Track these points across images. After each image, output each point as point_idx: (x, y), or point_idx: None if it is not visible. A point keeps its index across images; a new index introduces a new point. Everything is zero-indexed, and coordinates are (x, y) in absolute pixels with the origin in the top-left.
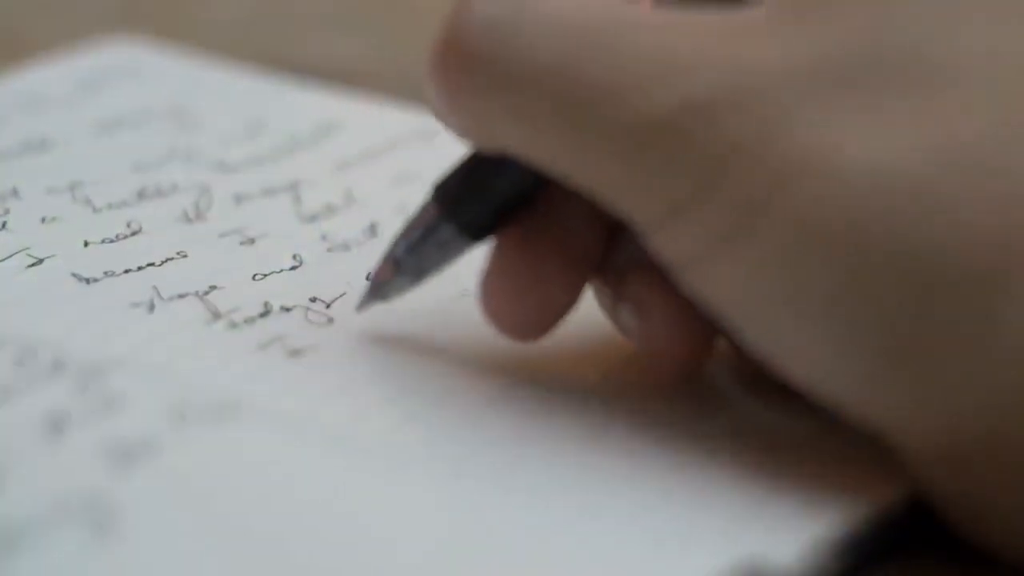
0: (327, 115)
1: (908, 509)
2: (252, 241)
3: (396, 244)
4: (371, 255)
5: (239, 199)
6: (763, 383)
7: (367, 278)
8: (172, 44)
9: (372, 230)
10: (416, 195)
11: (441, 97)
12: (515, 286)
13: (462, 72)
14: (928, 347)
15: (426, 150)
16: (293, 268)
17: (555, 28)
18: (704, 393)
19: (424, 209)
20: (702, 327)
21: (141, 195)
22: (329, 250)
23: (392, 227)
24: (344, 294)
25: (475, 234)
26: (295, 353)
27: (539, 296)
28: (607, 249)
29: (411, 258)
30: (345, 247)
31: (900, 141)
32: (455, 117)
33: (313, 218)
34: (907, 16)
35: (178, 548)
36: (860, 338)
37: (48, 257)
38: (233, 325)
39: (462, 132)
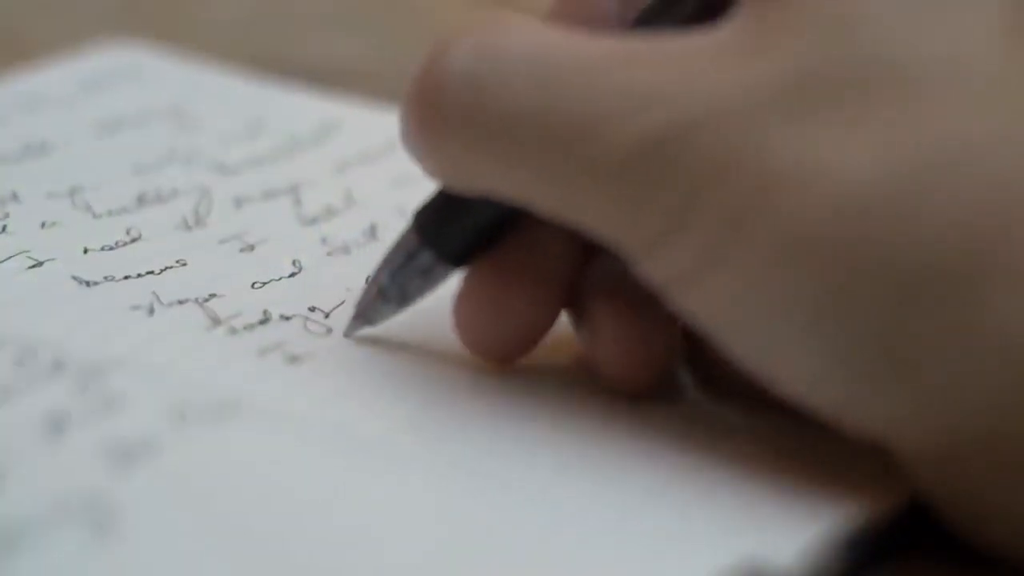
0: (327, 116)
1: (908, 509)
2: (251, 248)
3: (380, 270)
4: (371, 258)
5: (239, 202)
6: (719, 387)
7: (356, 305)
8: (172, 45)
9: (372, 232)
10: (416, 196)
11: (418, 144)
12: (488, 311)
13: (439, 121)
14: (918, 352)
15: None
16: (292, 275)
17: (528, 72)
18: (703, 394)
19: (405, 236)
20: (654, 353)
21: (141, 201)
22: (329, 254)
23: (392, 228)
24: (343, 303)
25: (455, 261)
26: (295, 359)
27: (512, 321)
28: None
29: (394, 285)
30: (345, 250)
31: (871, 151)
32: (433, 163)
33: (313, 220)
34: (870, 26)
35: (178, 548)
36: (850, 347)
37: (48, 260)
38: (233, 331)
39: (441, 178)
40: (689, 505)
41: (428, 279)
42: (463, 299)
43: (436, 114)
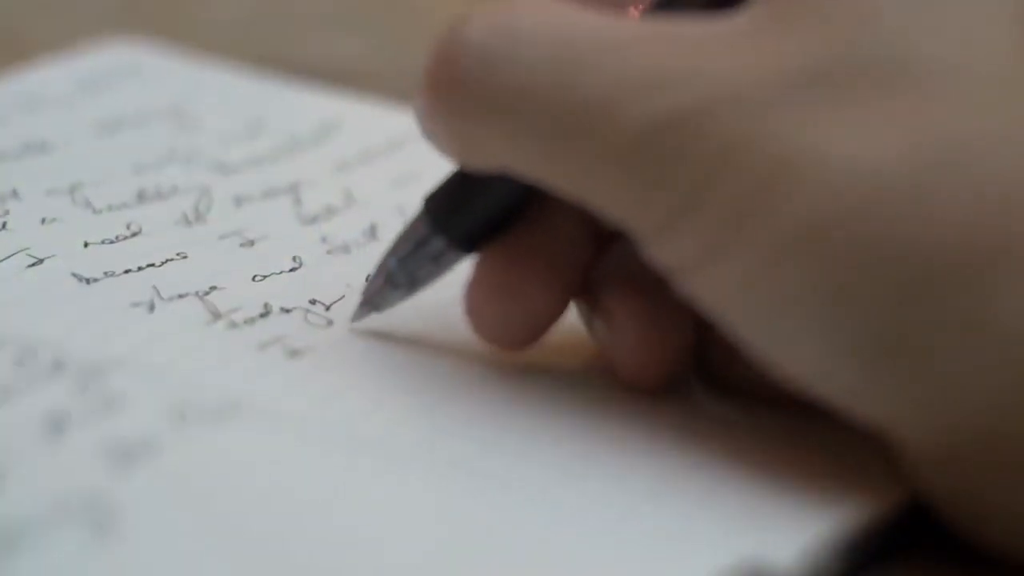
0: (327, 115)
1: (908, 509)
2: (252, 243)
3: (389, 256)
4: (371, 257)
5: (239, 201)
6: (721, 386)
7: (363, 292)
8: (172, 44)
9: (372, 232)
10: (416, 196)
11: (434, 119)
12: (499, 297)
13: (454, 96)
14: (919, 350)
15: (426, 151)
16: (293, 270)
17: (545, 50)
18: (704, 394)
19: (415, 222)
20: (670, 343)
21: (141, 197)
22: (329, 252)
23: (392, 228)
24: (343, 297)
25: (466, 247)
26: (295, 354)
27: (523, 307)
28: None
29: (403, 271)
30: (345, 249)
31: (880, 141)
32: (448, 140)
33: (313, 219)
34: (885, 20)
35: (178, 548)
36: (853, 341)
37: (48, 257)
38: (233, 325)
39: (455, 154)
40: (689, 505)
41: (438, 265)
42: (474, 285)
43: (450, 89)
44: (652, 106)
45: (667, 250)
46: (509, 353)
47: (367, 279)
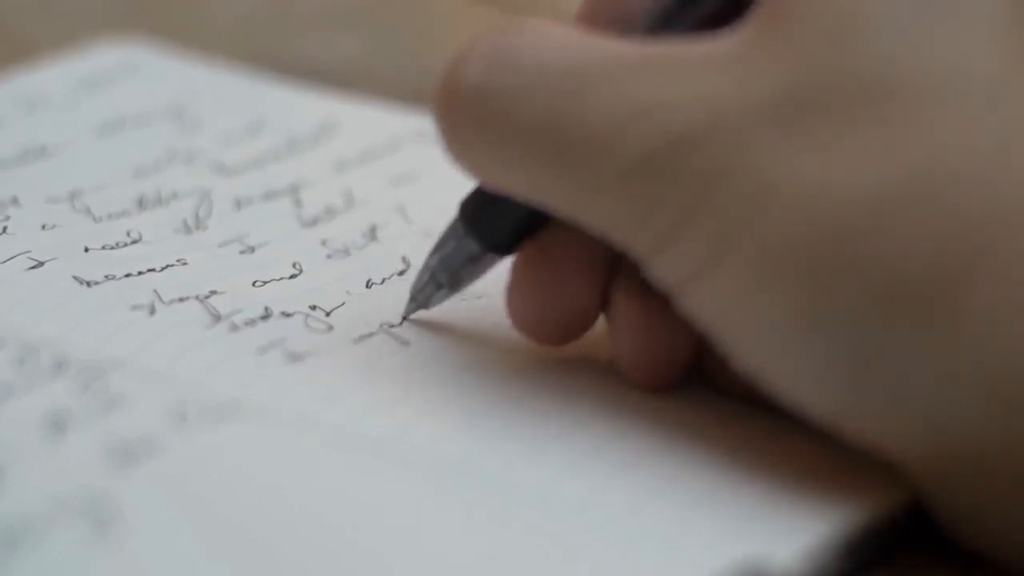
0: (327, 116)
1: (909, 509)
2: (252, 250)
3: (432, 256)
4: (370, 260)
5: (239, 204)
6: (721, 386)
7: (410, 290)
8: (172, 44)
9: (372, 233)
10: (416, 196)
11: (446, 149)
12: (539, 297)
13: (457, 131)
14: (897, 361)
15: (426, 151)
16: (293, 276)
17: (537, 83)
18: (705, 393)
19: (454, 224)
20: (671, 351)
21: (141, 204)
22: (329, 256)
23: (392, 228)
24: (344, 304)
25: (501, 250)
26: (295, 357)
27: (563, 305)
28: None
29: (445, 271)
30: (345, 252)
31: (853, 168)
32: (461, 167)
33: (313, 222)
34: (870, 41)
35: (178, 548)
36: (834, 354)
37: (49, 260)
38: (234, 328)
39: (472, 177)
40: (689, 505)
41: (477, 266)
42: (514, 287)
43: (453, 125)
44: (646, 134)
45: (663, 268)
46: (515, 351)
47: (415, 279)
